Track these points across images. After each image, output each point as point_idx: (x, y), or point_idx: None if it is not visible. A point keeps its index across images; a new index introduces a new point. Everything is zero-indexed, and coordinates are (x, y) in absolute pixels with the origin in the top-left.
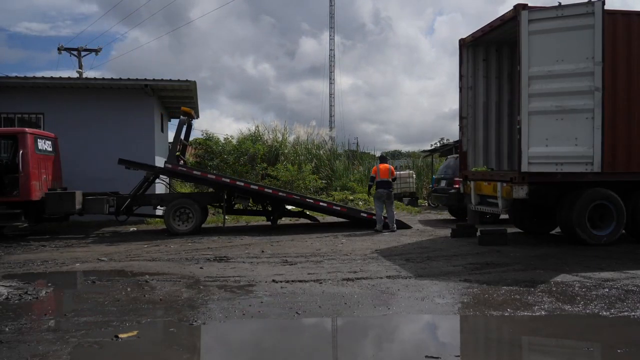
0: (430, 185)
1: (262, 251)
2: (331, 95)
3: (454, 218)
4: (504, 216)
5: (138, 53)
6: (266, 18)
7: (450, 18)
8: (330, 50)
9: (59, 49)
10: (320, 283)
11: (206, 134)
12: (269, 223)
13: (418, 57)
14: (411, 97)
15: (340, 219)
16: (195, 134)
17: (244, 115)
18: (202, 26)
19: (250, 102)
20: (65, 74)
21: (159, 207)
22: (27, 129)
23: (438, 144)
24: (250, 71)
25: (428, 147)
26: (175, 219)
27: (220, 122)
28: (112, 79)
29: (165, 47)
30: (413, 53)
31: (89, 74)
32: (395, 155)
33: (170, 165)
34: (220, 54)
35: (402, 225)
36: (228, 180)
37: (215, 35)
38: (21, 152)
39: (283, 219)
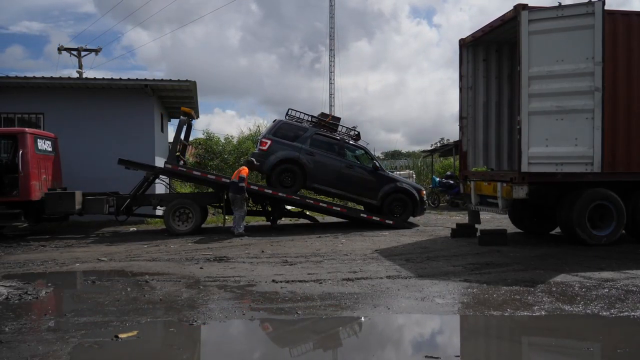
0: (430, 186)
1: (262, 251)
2: (331, 95)
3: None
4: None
5: (139, 52)
6: (267, 17)
7: (459, 13)
8: (330, 50)
9: (59, 49)
10: (320, 283)
11: (207, 133)
12: (269, 223)
13: (425, 55)
14: (418, 96)
15: (340, 219)
16: (196, 134)
17: (246, 113)
18: (198, 25)
19: (252, 101)
20: (65, 73)
21: (158, 207)
22: (27, 129)
23: (438, 144)
24: (251, 70)
25: (428, 147)
26: (175, 219)
27: (224, 121)
28: (112, 79)
29: (167, 48)
30: (420, 50)
31: (88, 73)
32: (395, 155)
33: (170, 166)
34: (220, 53)
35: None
36: (228, 181)
37: (213, 33)
38: (21, 152)
39: (283, 219)
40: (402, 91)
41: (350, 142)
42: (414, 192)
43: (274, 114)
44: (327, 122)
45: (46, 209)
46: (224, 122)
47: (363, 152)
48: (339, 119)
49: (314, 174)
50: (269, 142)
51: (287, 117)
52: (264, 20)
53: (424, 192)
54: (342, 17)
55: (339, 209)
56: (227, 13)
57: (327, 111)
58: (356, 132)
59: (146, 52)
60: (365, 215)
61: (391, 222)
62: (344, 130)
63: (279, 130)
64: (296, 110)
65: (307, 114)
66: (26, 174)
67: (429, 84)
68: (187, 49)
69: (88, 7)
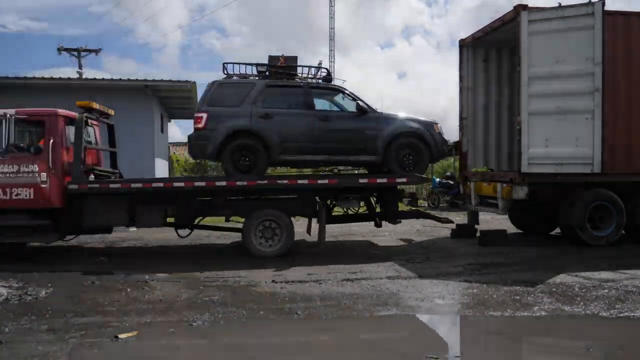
0: (430, 186)
1: None
2: None
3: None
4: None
5: (138, 53)
6: (268, 15)
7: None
8: (330, 50)
9: (58, 49)
10: (320, 283)
11: None
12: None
13: (432, 52)
14: (430, 94)
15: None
16: None
17: None
18: (195, 23)
19: None
20: (66, 74)
21: (232, 218)
22: (59, 110)
23: None
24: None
25: None
26: (257, 236)
27: None
28: (111, 79)
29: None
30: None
31: (87, 73)
32: None
33: (76, 186)
34: (218, 52)
35: None
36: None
37: (211, 30)
38: (52, 141)
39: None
40: (411, 90)
41: (319, 84)
42: (424, 129)
43: None
44: (280, 67)
45: (85, 219)
46: None
47: (340, 94)
48: (295, 58)
49: (279, 143)
50: (204, 115)
51: (225, 74)
52: (263, 20)
53: (439, 125)
54: (344, 16)
55: (326, 180)
56: (221, 13)
57: None
58: (324, 70)
59: (145, 52)
60: (366, 180)
61: (404, 179)
62: (305, 71)
63: (215, 96)
64: (236, 63)
65: (251, 64)
66: (57, 171)
67: (443, 82)
68: (187, 48)
69: (93, 7)
